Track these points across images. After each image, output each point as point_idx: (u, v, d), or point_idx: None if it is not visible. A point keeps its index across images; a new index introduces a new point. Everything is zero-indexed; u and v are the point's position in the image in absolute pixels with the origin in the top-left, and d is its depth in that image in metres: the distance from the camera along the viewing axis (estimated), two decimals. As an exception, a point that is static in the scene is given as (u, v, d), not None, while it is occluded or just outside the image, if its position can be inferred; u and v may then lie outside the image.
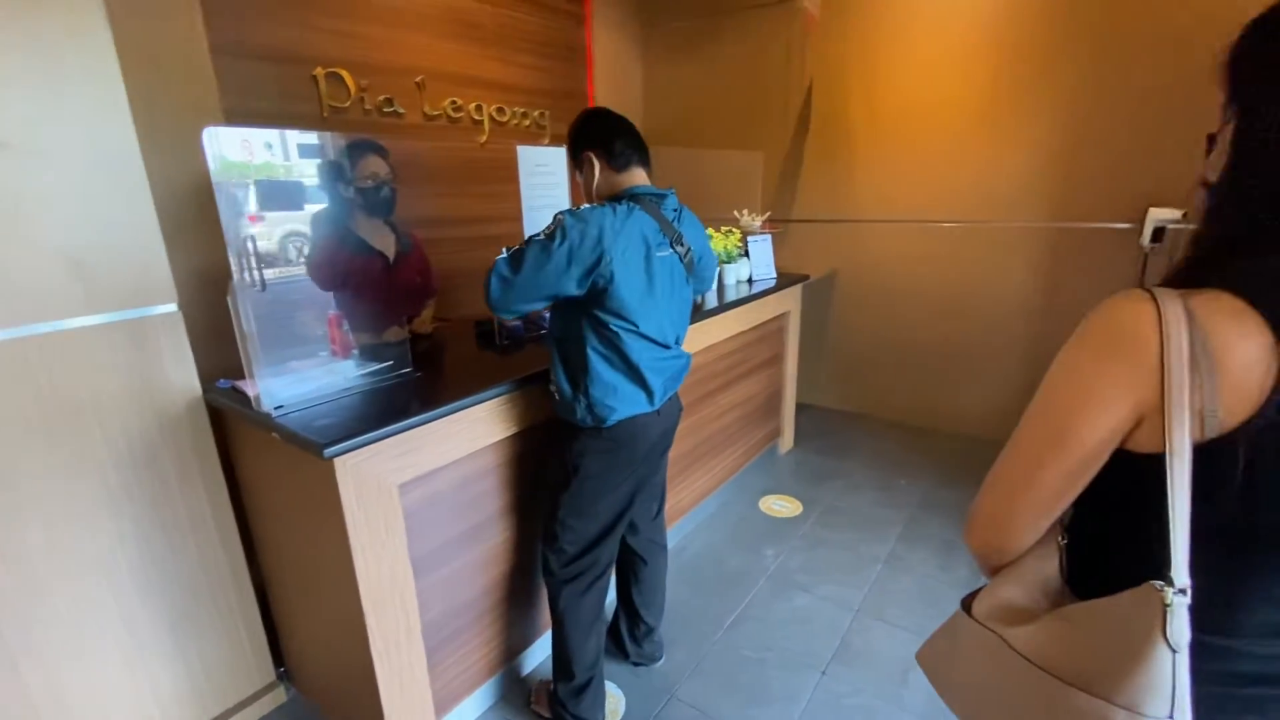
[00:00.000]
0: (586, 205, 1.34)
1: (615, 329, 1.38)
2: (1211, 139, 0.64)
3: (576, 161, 1.51)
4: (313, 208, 1.57)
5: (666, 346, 1.50)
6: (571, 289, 1.33)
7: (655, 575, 1.81)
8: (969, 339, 3.38)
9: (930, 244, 3.41)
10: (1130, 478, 0.61)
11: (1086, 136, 2.88)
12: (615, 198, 1.43)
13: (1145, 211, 2.75)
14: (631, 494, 1.55)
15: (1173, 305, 0.55)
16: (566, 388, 1.44)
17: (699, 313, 2.22)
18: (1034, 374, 3.23)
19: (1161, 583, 0.56)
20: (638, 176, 1.46)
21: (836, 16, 3.42)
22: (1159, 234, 2.73)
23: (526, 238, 1.35)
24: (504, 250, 1.35)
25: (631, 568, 1.78)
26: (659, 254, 1.41)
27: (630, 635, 1.85)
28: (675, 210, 1.49)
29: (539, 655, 1.89)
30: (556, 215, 1.33)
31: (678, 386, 1.59)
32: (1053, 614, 0.65)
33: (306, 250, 1.55)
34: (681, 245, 1.48)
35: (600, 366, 1.40)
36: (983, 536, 0.70)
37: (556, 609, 1.57)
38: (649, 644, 1.86)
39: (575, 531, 1.52)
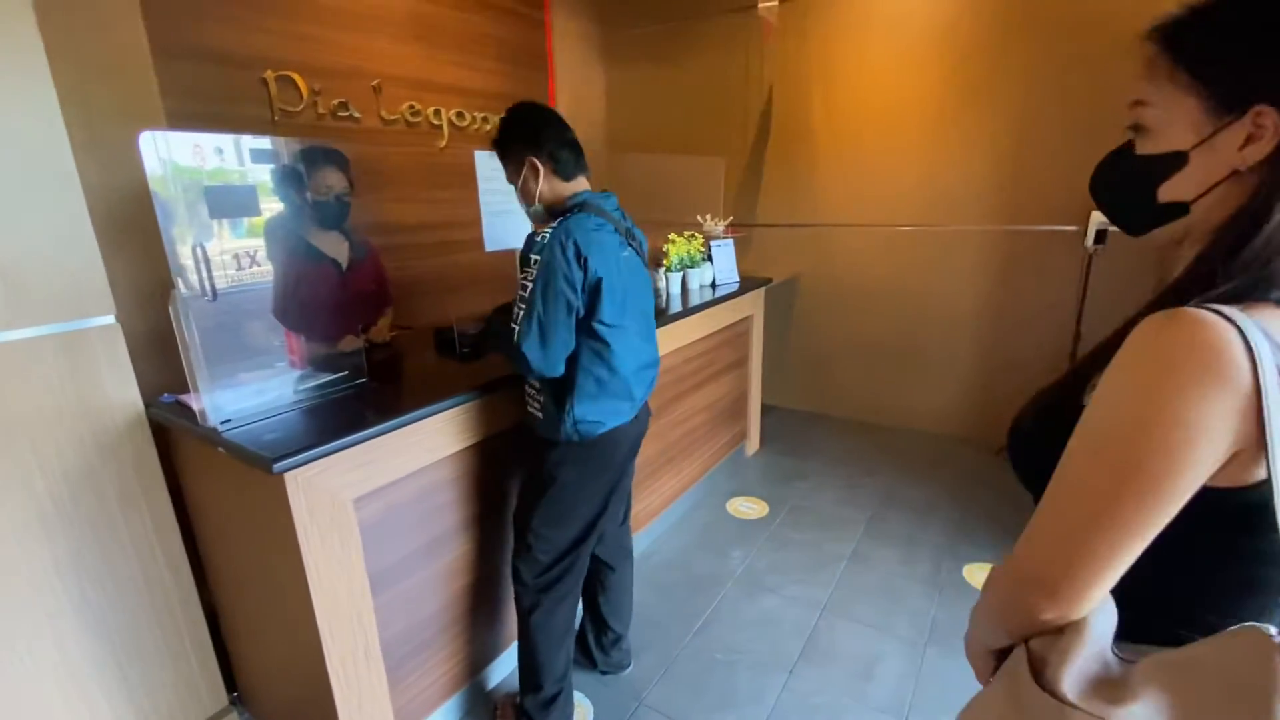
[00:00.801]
0: (548, 229, 1.33)
1: (605, 337, 1.39)
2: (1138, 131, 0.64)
3: (513, 162, 1.47)
4: (268, 209, 1.51)
5: (652, 348, 1.54)
6: (582, 308, 1.35)
7: (622, 582, 1.80)
8: (926, 338, 3.47)
9: (888, 247, 3.49)
10: (1208, 515, 0.55)
11: (1032, 140, 2.99)
12: (562, 206, 1.44)
13: (1089, 215, 2.87)
14: (606, 500, 1.55)
15: (1250, 323, 0.50)
16: (551, 406, 1.44)
17: (664, 317, 2.23)
18: (986, 371, 3.34)
19: (1274, 628, 0.50)
20: (582, 184, 1.48)
21: (794, 25, 3.48)
22: (1101, 236, 2.85)
23: (520, 297, 1.34)
24: (513, 326, 1.34)
25: (598, 575, 1.77)
26: (622, 254, 1.44)
27: (598, 644, 1.83)
28: (618, 210, 1.51)
29: (505, 668, 1.86)
30: (531, 257, 1.33)
31: (650, 391, 1.60)
32: (1146, 680, 0.56)
33: (259, 256, 1.50)
34: (635, 240, 1.52)
35: (587, 384, 1.41)
36: (1037, 598, 0.58)
37: (528, 620, 1.55)
38: (617, 652, 1.84)
39: (549, 540, 1.51)
